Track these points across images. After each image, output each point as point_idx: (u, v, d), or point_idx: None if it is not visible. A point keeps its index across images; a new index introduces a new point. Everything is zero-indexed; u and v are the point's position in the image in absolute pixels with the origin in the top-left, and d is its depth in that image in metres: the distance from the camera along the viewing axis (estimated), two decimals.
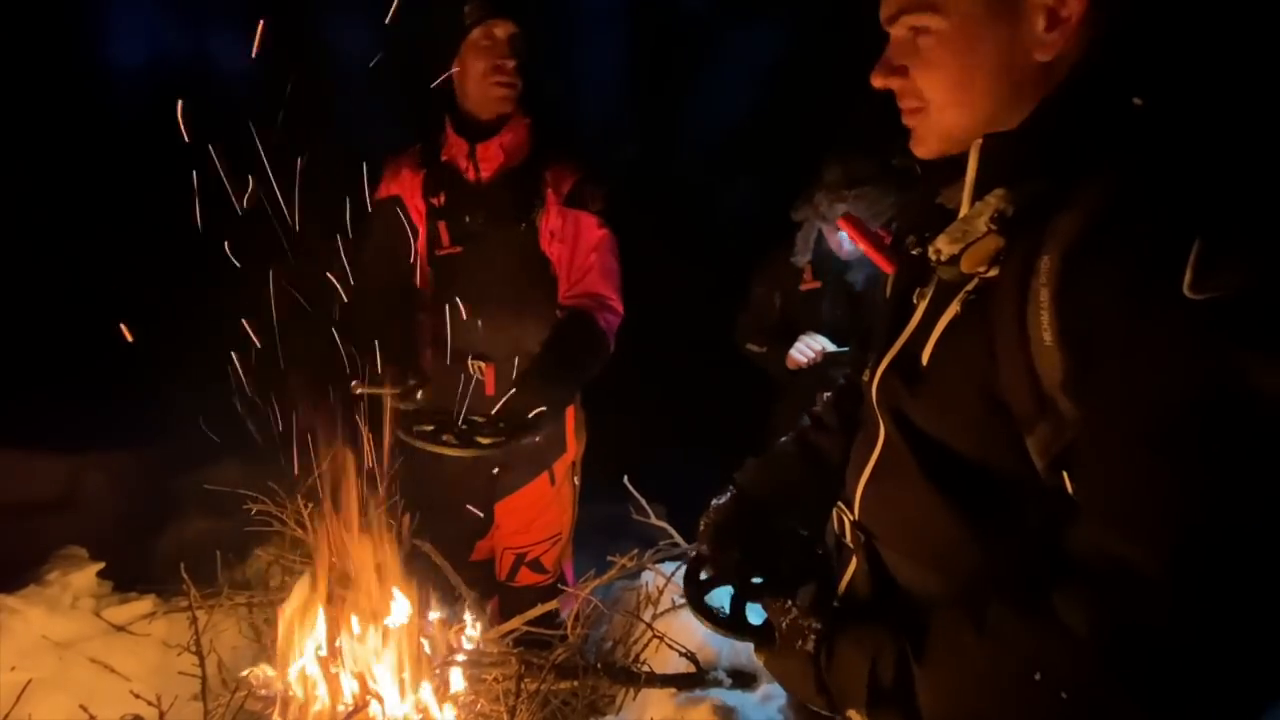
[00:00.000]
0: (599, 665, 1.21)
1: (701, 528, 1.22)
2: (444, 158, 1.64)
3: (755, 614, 1.16)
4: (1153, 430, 0.59)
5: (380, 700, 1.09)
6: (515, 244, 1.60)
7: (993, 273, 0.71)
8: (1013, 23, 0.67)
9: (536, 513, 1.78)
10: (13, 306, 2.98)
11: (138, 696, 1.08)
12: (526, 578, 1.79)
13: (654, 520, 1.90)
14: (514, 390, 1.45)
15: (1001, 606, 0.67)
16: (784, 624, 0.88)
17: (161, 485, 2.48)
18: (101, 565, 1.35)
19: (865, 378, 0.91)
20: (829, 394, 1.27)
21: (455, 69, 1.53)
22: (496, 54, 1.51)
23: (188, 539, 1.86)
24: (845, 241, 2.02)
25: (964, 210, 0.74)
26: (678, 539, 1.82)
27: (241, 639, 1.43)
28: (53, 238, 3.42)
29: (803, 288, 2.14)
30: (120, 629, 1.25)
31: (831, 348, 2.05)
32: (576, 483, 1.84)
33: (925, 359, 0.79)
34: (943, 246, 0.75)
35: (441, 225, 1.62)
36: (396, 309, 1.66)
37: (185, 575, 1.33)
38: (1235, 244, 0.55)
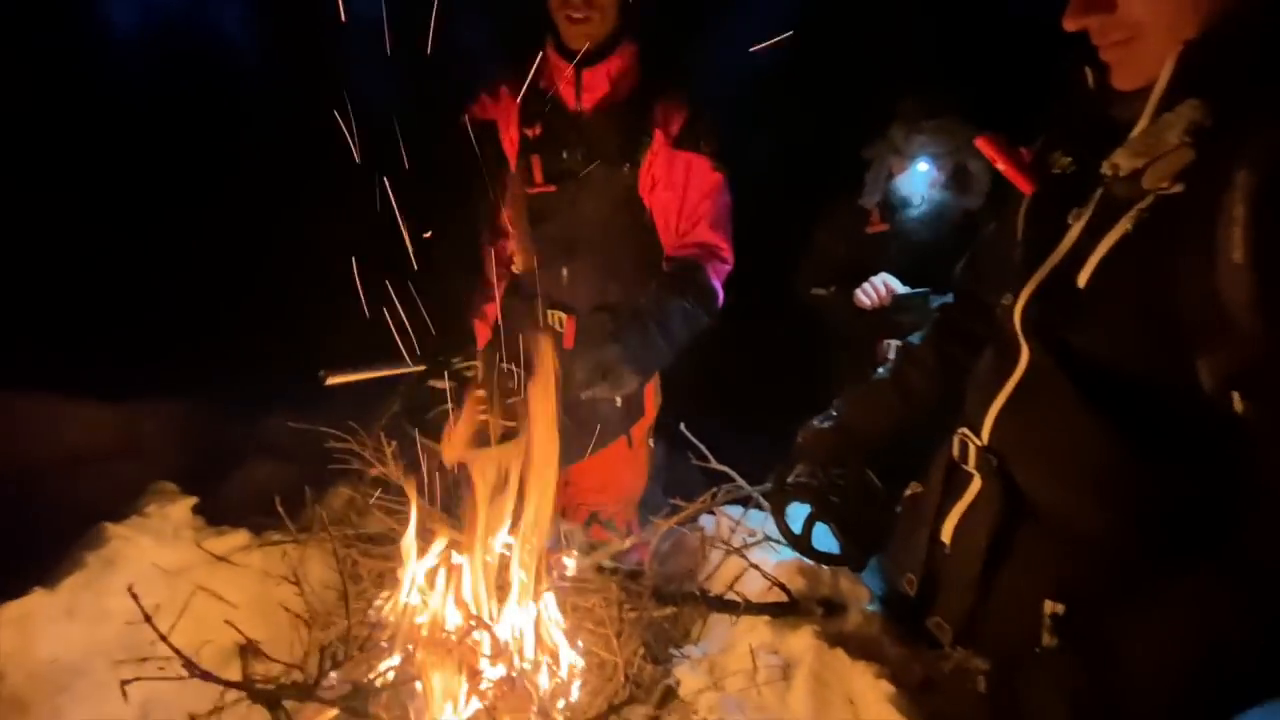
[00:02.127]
0: (699, 592, 1.23)
1: (799, 441, 1.26)
2: (542, 84, 1.52)
3: (822, 535, 1.25)
4: None
5: (488, 627, 1.11)
6: (614, 186, 1.49)
7: (1176, 189, 0.69)
8: None
9: (614, 475, 1.77)
10: (61, 261, 2.97)
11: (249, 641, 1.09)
12: (598, 535, 1.82)
13: (715, 465, 1.91)
14: (605, 345, 1.36)
15: (1203, 570, 0.67)
16: (946, 669, 0.89)
17: (218, 434, 2.51)
18: (195, 500, 1.37)
19: (1006, 303, 0.90)
20: (925, 333, 1.25)
21: None
22: None
23: (253, 484, 1.89)
24: (915, 184, 1.98)
25: (1143, 124, 0.71)
26: (740, 482, 1.83)
27: (330, 573, 1.46)
28: (106, 189, 3.36)
29: (870, 230, 2.11)
30: (221, 559, 1.28)
31: (901, 289, 2.02)
32: (652, 445, 1.84)
33: (1084, 280, 0.77)
34: (1121, 161, 0.72)
35: (535, 160, 1.52)
36: (467, 257, 1.56)
37: (280, 509, 1.36)
38: None
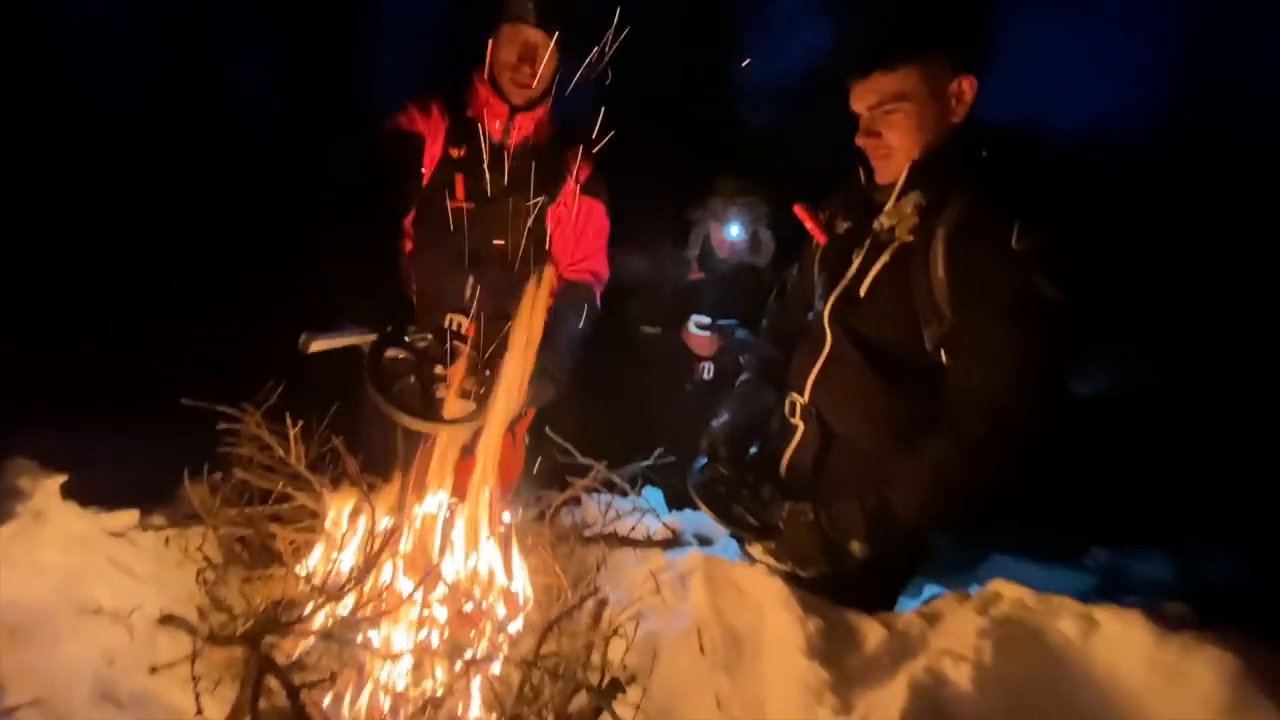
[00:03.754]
0: (616, 534, 1.52)
1: (705, 442, 1.56)
2: (470, 113, 1.73)
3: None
4: (998, 318, 1.19)
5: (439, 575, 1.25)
6: (526, 214, 1.74)
7: (910, 238, 1.29)
8: (943, 100, 1.27)
9: (500, 465, 1.92)
10: None
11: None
12: None
13: (581, 459, 2.19)
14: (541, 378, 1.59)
15: (928, 442, 1.23)
16: (784, 514, 1.33)
17: None
18: (64, 477, 1.22)
19: (818, 308, 1.44)
20: (762, 343, 1.72)
21: (491, 43, 1.68)
22: (516, 54, 1.66)
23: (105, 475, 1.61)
24: (728, 240, 2.61)
25: (890, 204, 1.32)
26: (607, 473, 2.14)
27: (227, 552, 1.37)
28: None
29: (691, 278, 2.68)
30: (118, 535, 1.18)
31: (706, 322, 2.58)
32: (526, 440, 2.05)
33: (863, 291, 1.35)
34: (884, 222, 1.32)
35: (459, 177, 1.70)
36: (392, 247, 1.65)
37: (189, 488, 1.28)
38: (1037, 225, 1.18)
